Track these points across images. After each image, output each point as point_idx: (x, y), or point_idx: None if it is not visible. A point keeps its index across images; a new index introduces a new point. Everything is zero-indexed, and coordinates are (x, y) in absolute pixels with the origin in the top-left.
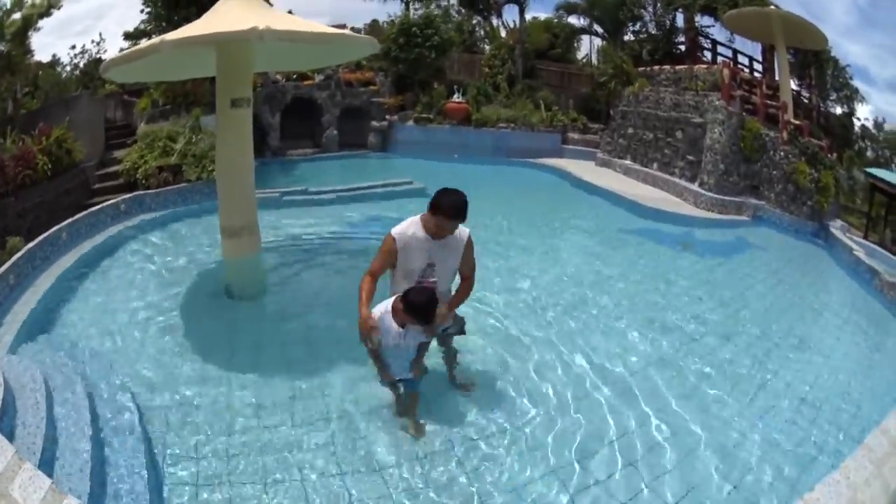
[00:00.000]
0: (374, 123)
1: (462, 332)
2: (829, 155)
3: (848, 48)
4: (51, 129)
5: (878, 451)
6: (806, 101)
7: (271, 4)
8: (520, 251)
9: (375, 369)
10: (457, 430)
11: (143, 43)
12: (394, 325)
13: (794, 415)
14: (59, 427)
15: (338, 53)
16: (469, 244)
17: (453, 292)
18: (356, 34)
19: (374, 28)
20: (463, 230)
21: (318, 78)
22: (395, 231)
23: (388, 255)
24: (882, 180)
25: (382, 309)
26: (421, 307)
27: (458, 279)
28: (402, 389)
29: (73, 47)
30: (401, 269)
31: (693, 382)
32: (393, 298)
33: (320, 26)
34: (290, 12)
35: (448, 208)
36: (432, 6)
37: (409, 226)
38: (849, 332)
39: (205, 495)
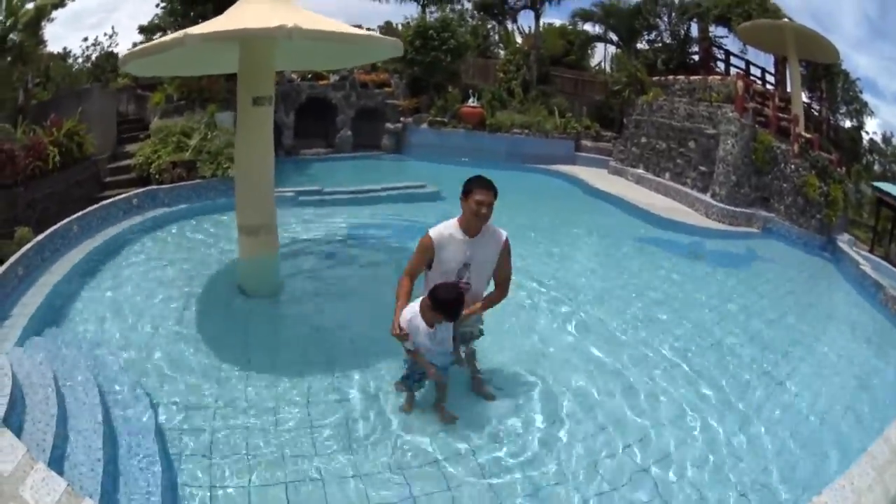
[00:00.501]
0: (389, 125)
1: (477, 335)
2: (838, 168)
3: (857, 60)
4: (62, 121)
5: (879, 458)
6: (816, 113)
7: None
8: (535, 257)
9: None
10: (476, 433)
11: (159, 37)
12: (422, 325)
13: (799, 425)
14: (70, 423)
15: (360, 54)
16: (506, 248)
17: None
18: (382, 36)
19: (388, 30)
20: (501, 233)
21: (334, 78)
22: (433, 230)
23: (425, 252)
24: (889, 195)
25: (411, 312)
26: (447, 303)
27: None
28: (418, 389)
29: (86, 39)
30: (437, 269)
31: (704, 392)
32: (420, 299)
33: (345, 26)
34: None
35: (475, 182)
36: (448, 9)
37: (445, 227)
38: (853, 345)
39: (219, 495)
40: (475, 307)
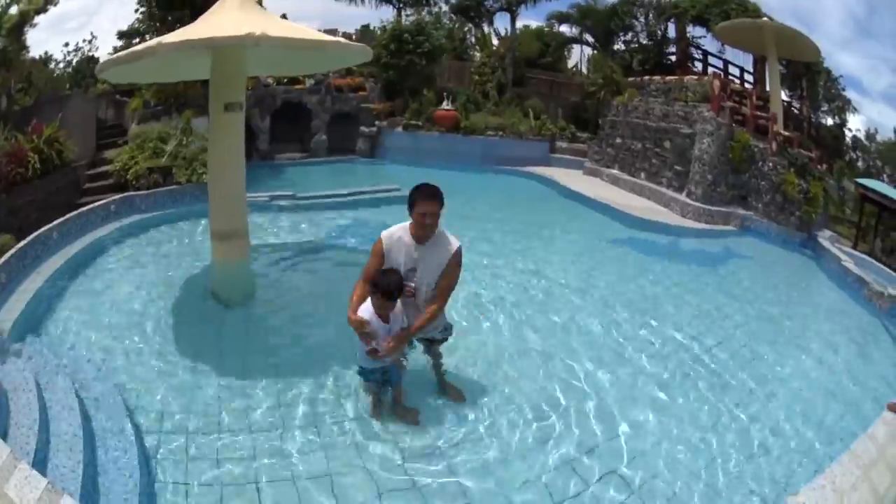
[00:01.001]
0: (364, 129)
1: (446, 338)
2: (818, 166)
3: (842, 59)
4: (43, 128)
5: (864, 456)
6: (797, 112)
7: (265, 8)
8: (507, 259)
9: (361, 379)
10: (444, 433)
11: (139, 44)
12: (381, 324)
13: (779, 423)
14: (52, 428)
15: (331, 60)
16: (456, 258)
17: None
18: (349, 42)
19: (365, 33)
20: (454, 242)
21: (309, 82)
22: (385, 233)
23: (377, 256)
24: (872, 190)
25: (368, 313)
26: (386, 285)
27: None
28: (387, 390)
29: (67, 44)
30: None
31: (678, 392)
32: (369, 300)
33: (314, 33)
34: (283, 16)
35: (420, 191)
36: (424, 13)
37: (398, 230)
38: (835, 341)
39: (194, 495)
40: (420, 321)
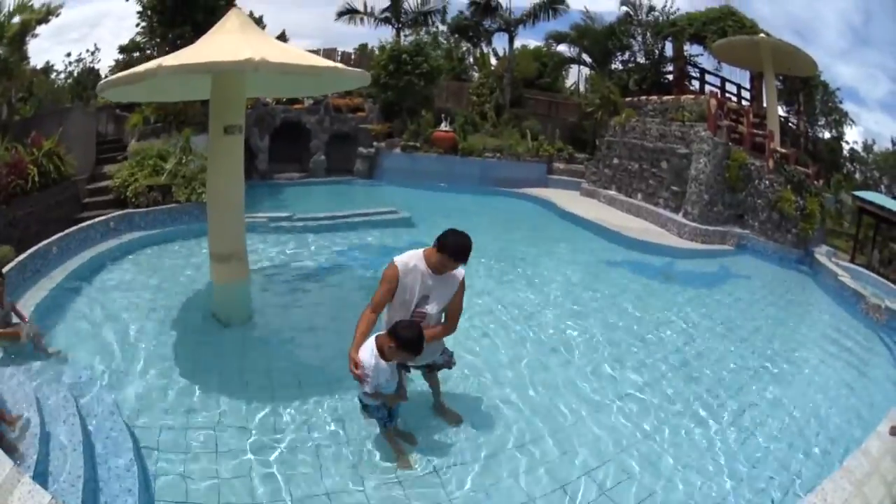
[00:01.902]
0: (362, 150)
1: (449, 365)
2: (815, 182)
3: (839, 70)
4: (43, 140)
5: (857, 472)
6: (794, 127)
7: (264, 27)
8: (505, 282)
9: (360, 405)
10: (440, 456)
11: (140, 66)
12: (383, 364)
13: (774, 440)
14: (52, 442)
15: (329, 84)
16: (461, 286)
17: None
18: (347, 67)
19: (363, 53)
20: (459, 270)
21: (308, 102)
22: (398, 260)
23: (391, 282)
24: (869, 202)
25: (369, 353)
26: (412, 340)
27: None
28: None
29: (69, 55)
30: (398, 298)
31: (674, 410)
32: (375, 339)
33: (313, 57)
34: (282, 33)
35: (454, 248)
36: (422, 33)
37: (412, 258)
38: (832, 356)
39: None
40: (432, 331)
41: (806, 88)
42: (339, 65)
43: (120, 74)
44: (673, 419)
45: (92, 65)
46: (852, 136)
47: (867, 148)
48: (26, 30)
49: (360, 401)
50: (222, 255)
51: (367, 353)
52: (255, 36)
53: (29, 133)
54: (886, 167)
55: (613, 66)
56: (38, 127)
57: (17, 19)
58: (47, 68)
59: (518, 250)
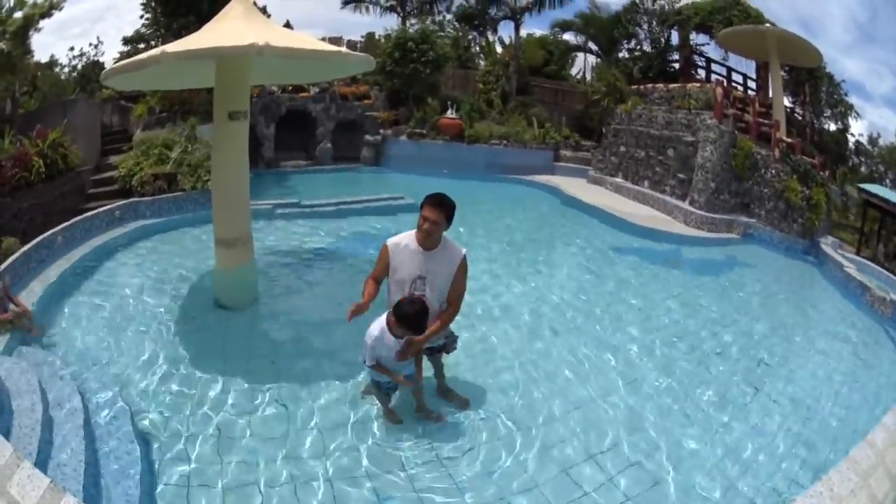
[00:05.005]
0: (368, 137)
1: (448, 349)
2: (821, 172)
3: (845, 64)
4: (48, 132)
5: (863, 462)
6: (799, 118)
7: (269, 16)
8: (509, 268)
9: (362, 386)
10: (447, 440)
11: (144, 53)
12: (391, 339)
13: (781, 429)
14: (55, 429)
15: (334, 69)
16: (462, 267)
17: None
18: (352, 52)
19: (370, 41)
20: (460, 249)
21: (314, 90)
22: (390, 241)
23: (382, 260)
24: (875, 196)
25: (379, 327)
26: (410, 316)
27: None
28: (394, 395)
29: (72, 49)
30: (392, 277)
31: (679, 400)
32: (386, 314)
33: (317, 42)
34: (287, 23)
35: (428, 197)
36: (428, 21)
37: (404, 238)
38: (837, 347)
39: (196, 496)
40: (430, 329)
41: (811, 79)
42: (343, 49)
43: (124, 62)
44: (677, 406)
45: (96, 58)
46: (857, 130)
47: (872, 141)
48: (29, 24)
49: (371, 378)
50: (227, 240)
51: (377, 324)
52: (259, 23)
53: (34, 126)
54: (892, 161)
55: (620, 55)
56: (42, 119)
57: (19, 13)
58: (51, 62)
59: (524, 236)
